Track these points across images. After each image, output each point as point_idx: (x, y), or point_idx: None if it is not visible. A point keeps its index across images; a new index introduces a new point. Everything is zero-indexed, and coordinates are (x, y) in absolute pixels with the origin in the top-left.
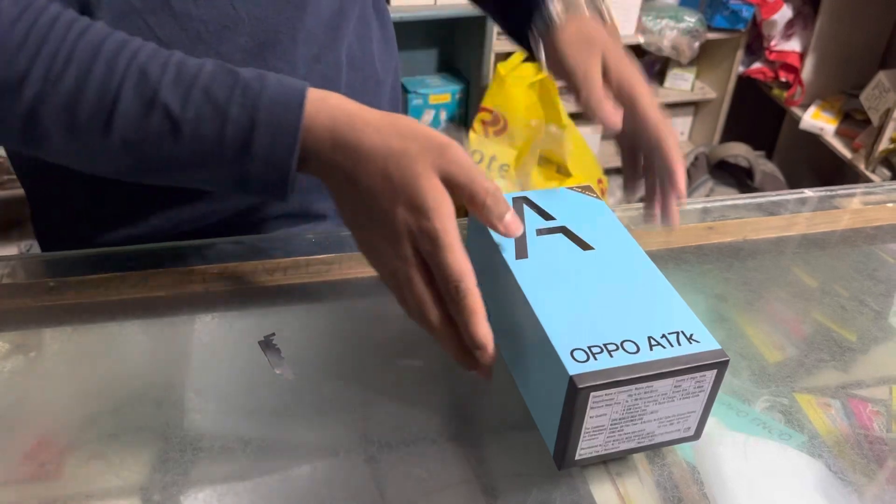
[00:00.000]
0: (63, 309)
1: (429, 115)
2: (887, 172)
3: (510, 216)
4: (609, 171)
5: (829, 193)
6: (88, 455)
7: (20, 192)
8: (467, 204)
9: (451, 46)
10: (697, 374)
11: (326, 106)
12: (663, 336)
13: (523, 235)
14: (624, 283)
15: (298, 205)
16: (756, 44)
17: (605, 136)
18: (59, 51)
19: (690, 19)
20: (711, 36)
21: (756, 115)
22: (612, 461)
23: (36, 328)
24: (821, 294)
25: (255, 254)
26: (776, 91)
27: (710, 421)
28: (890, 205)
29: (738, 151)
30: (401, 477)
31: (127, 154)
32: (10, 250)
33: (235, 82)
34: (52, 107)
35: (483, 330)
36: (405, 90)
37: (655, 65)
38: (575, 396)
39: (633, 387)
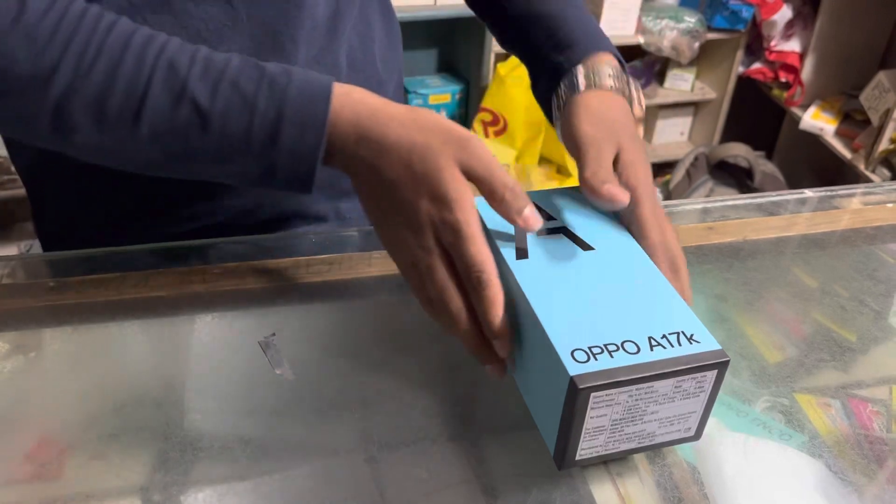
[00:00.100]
0: (63, 309)
1: None
2: (887, 172)
3: (529, 210)
4: None
5: (828, 194)
6: (89, 455)
7: (20, 192)
8: (487, 198)
9: (451, 47)
10: (698, 375)
11: (351, 100)
12: (664, 336)
13: (523, 236)
14: (624, 283)
15: (298, 206)
16: (756, 44)
17: None
18: (90, 44)
19: (690, 19)
20: (711, 36)
21: (756, 116)
22: (613, 461)
23: (36, 328)
24: (821, 294)
25: (256, 254)
26: (776, 91)
27: (711, 421)
28: (890, 205)
29: (738, 152)
30: (401, 477)
31: (155, 147)
32: (10, 250)
33: (262, 76)
34: (82, 100)
35: (502, 320)
36: (405, 90)
37: (655, 65)
38: (575, 397)
39: (633, 387)
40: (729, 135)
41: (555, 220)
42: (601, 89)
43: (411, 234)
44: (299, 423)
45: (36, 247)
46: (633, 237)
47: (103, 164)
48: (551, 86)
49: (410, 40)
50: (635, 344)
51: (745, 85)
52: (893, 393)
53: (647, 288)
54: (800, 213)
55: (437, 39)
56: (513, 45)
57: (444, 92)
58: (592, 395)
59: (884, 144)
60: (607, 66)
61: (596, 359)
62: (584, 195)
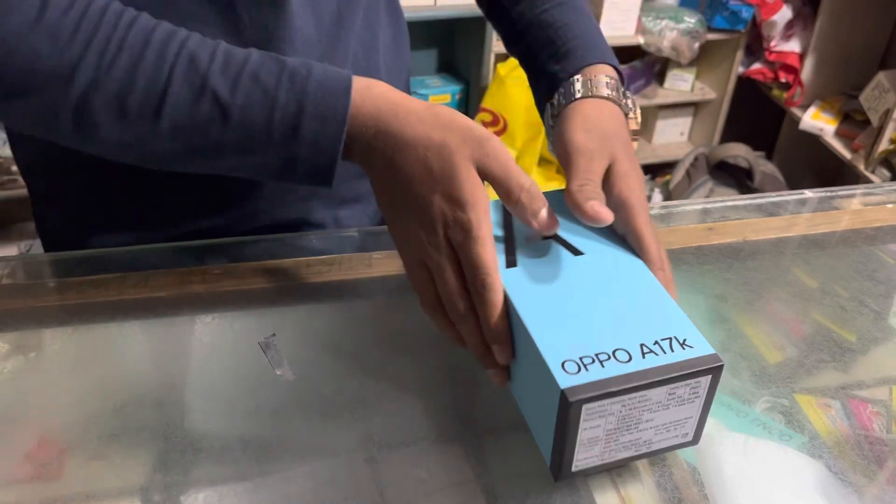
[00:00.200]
0: (63, 309)
1: None
2: (887, 173)
3: (545, 213)
4: None
5: (828, 194)
6: (89, 455)
7: (20, 192)
8: (503, 199)
9: (451, 47)
10: (692, 381)
11: (371, 94)
12: (656, 343)
13: (513, 244)
14: (616, 288)
15: (297, 213)
16: (756, 44)
17: None
18: (111, 40)
19: (690, 20)
20: (711, 36)
21: (756, 116)
22: None
23: (36, 328)
24: (821, 295)
25: (256, 254)
26: (776, 92)
27: (710, 422)
28: (890, 205)
29: (738, 152)
30: (401, 477)
31: (176, 141)
32: (10, 250)
33: (282, 69)
34: (104, 95)
35: (502, 326)
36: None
37: (655, 65)
38: (567, 410)
39: (625, 397)
40: (729, 135)
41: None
42: (597, 98)
43: (422, 231)
44: (299, 423)
45: (36, 247)
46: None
47: (125, 161)
48: (547, 94)
49: (410, 40)
50: (627, 352)
51: (745, 85)
52: (893, 393)
53: (639, 293)
54: (800, 214)
55: (437, 39)
56: (516, 50)
57: (444, 92)
58: (584, 406)
59: (883, 145)
60: (604, 77)
61: (587, 369)
62: None
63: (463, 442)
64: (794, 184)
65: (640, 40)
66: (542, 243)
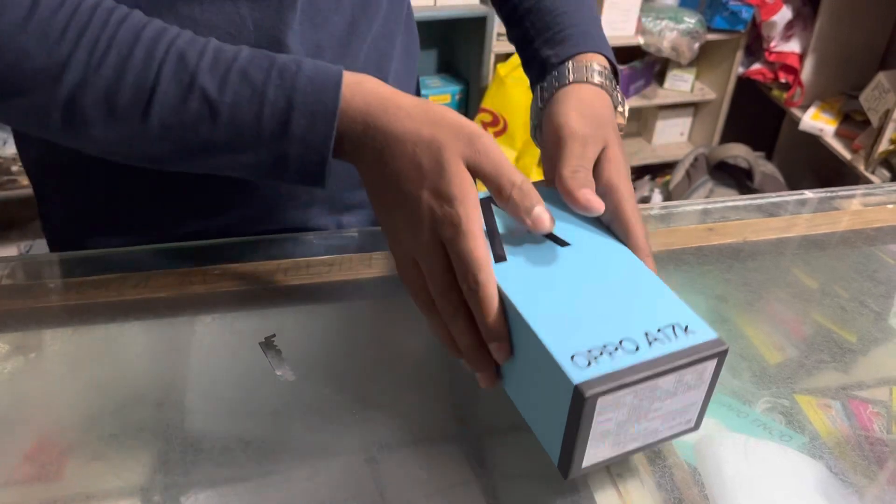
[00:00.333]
0: (63, 310)
1: None
2: (887, 173)
3: (539, 210)
4: None
5: (828, 195)
6: (89, 456)
7: (20, 192)
8: (495, 196)
9: (451, 47)
10: (698, 366)
11: (361, 90)
12: (659, 331)
13: (497, 238)
14: (609, 278)
15: (300, 219)
16: (756, 45)
17: None
18: (100, 38)
19: (690, 20)
20: (711, 37)
21: (756, 116)
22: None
23: (36, 329)
24: (821, 295)
25: (256, 255)
26: (776, 92)
27: (711, 422)
28: (890, 206)
29: (738, 152)
30: (401, 478)
31: (166, 139)
32: (10, 250)
33: (272, 65)
34: (93, 93)
35: (499, 322)
36: None
37: (655, 66)
38: (582, 405)
39: (638, 387)
40: (729, 135)
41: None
42: (590, 85)
43: (411, 228)
44: (300, 423)
45: (36, 247)
46: (615, 233)
47: (118, 160)
48: (538, 79)
49: None
50: (633, 341)
51: (745, 85)
52: (894, 394)
53: (633, 281)
54: (800, 215)
55: (437, 40)
56: (514, 35)
57: (443, 92)
58: (599, 400)
59: (883, 145)
60: (596, 65)
61: (597, 361)
62: (553, 190)
63: (463, 442)
64: (793, 184)
65: (640, 40)
66: (526, 236)
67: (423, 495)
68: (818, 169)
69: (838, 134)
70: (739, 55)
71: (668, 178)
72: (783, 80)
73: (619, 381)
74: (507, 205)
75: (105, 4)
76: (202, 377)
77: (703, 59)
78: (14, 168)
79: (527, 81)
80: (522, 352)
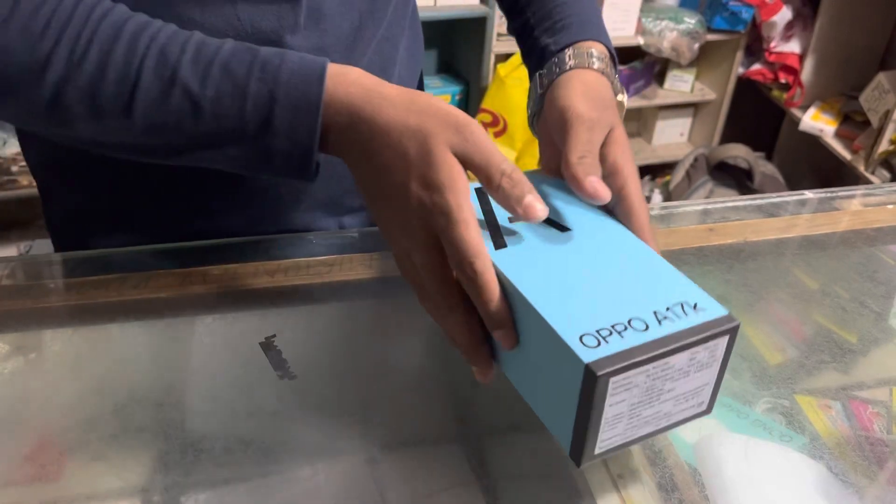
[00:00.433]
0: (64, 310)
1: None
2: (887, 174)
3: (530, 199)
4: None
5: (829, 195)
6: (89, 456)
7: (20, 192)
8: (484, 185)
9: (451, 47)
10: (710, 343)
11: (345, 81)
12: (668, 309)
13: (496, 225)
14: (611, 259)
15: (301, 222)
16: (756, 45)
17: None
18: (82, 33)
19: (690, 20)
20: (711, 37)
21: (756, 117)
22: (613, 462)
23: (37, 329)
24: (821, 296)
25: (256, 255)
26: (776, 92)
27: (711, 423)
28: (890, 206)
29: (738, 153)
30: (401, 478)
31: (150, 134)
32: (10, 251)
33: (254, 58)
34: (76, 89)
35: (502, 308)
36: None
37: (655, 66)
38: (593, 386)
39: (650, 366)
40: (729, 136)
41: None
42: (590, 69)
43: (403, 222)
44: (300, 424)
45: (35, 247)
46: (619, 215)
47: (110, 153)
48: (537, 68)
49: None
50: (642, 321)
51: (745, 86)
52: (894, 394)
53: (637, 261)
54: (800, 215)
55: (437, 40)
56: (514, 25)
57: (443, 93)
58: (612, 380)
59: (883, 146)
60: (596, 52)
61: (607, 341)
62: (551, 178)
63: (464, 443)
64: (794, 184)
65: (640, 41)
66: (525, 223)
67: (424, 496)
68: (818, 169)
69: (838, 134)
70: (739, 55)
71: (668, 178)
72: (783, 81)
73: (630, 360)
74: (497, 194)
75: (87, 1)
76: (202, 377)
77: (703, 59)
78: (14, 168)
79: (527, 82)
80: (527, 337)
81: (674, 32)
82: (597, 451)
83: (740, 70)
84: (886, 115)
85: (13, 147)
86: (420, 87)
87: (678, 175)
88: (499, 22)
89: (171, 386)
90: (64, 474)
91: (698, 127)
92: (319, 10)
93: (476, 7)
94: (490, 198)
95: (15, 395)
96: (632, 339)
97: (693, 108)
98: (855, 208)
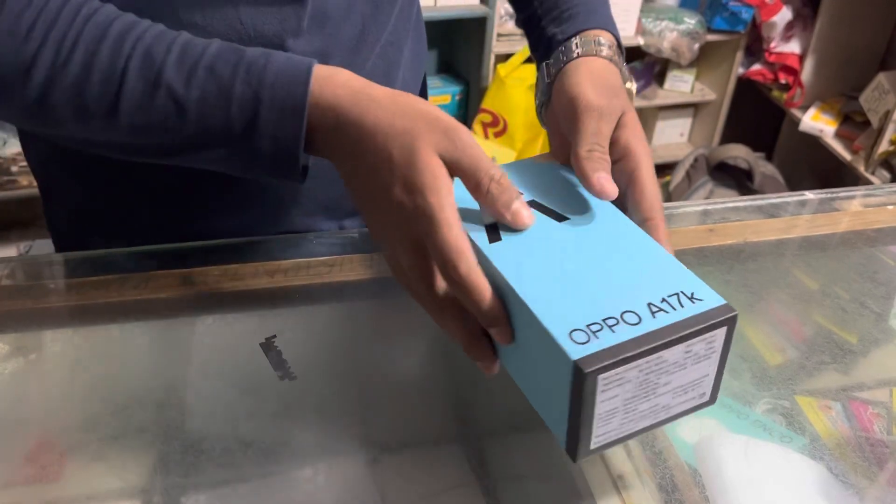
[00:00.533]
0: (64, 310)
1: None
2: (887, 174)
3: (518, 204)
4: None
5: (829, 196)
6: (89, 457)
7: (20, 192)
8: (472, 192)
9: (451, 48)
10: (707, 335)
11: (331, 83)
12: (663, 300)
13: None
14: (609, 249)
15: (301, 224)
16: (756, 45)
17: None
18: (67, 35)
19: (690, 21)
20: (711, 37)
21: (756, 117)
22: (614, 463)
23: (37, 330)
24: (821, 296)
25: (256, 255)
26: (776, 93)
27: (711, 423)
28: (890, 207)
29: (738, 153)
30: (402, 479)
31: (136, 135)
32: (10, 251)
33: (240, 59)
34: (61, 91)
35: (493, 304)
36: None
37: (655, 66)
38: (582, 383)
39: (642, 360)
40: (729, 136)
41: (521, 194)
42: (598, 57)
43: (387, 226)
44: (300, 425)
45: (35, 248)
46: (630, 197)
47: (105, 154)
48: (544, 57)
49: None
50: (635, 314)
51: (745, 86)
52: (894, 395)
53: (635, 251)
54: (800, 216)
55: (437, 40)
56: (522, 17)
57: (444, 93)
58: (601, 377)
59: (883, 146)
60: (603, 39)
61: (597, 336)
62: (548, 164)
63: (464, 443)
64: (794, 185)
65: (640, 41)
66: None
67: (424, 496)
68: (818, 170)
69: (838, 135)
70: (739, 56)
71: (668, 178)
72: (783, 81)
73: (620, 356)
74: (485, 199)
75: (73, 2)
76: (202, 378)
77: (703, 59)
78: (14, 168)
79: (527, 82)
80: (522, 331)
81: (674, 33)
82: (592, 446)
83: (740, 70)
84: (886, 116)
85: (13, 147)
86: (423, 88)
87: (678, 175)
88: (499, 22)
89: (171, 387)
90: (64, 475)
91: (698, 127)
92: (323, 14)
93: (476, 7)
94: None
95: (15, 395)
96: (623, 334)
97: (693, 108)
98: (855, 209)
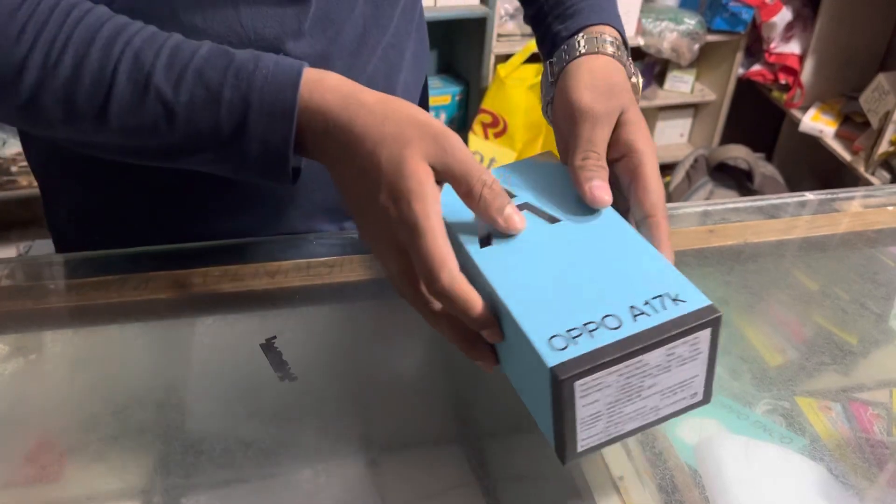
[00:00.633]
0: (64, 311)
1: None
2: (887, 175)
3: (510, 210)
4: None
5: (829, 196)
6: (89, 458)
7: (20, 192)
8: (464, 198)
9: (451, 48)
10: (690, 338)
11: (321, 87)
12: (646, 303)
13: (481, 223)
14: (598, 252)
15: (302, 226)
16: (756, 46)
17: None
18: (57, 37)
19: (690, 21)
20: (711, 38)
21: (756, 118)
22: (614, 463)
23: (37, 330)
24: (821, 297)
25: (256, 256)
26: (776, 93)
27: (711, 424)
28: (890, 208)
29: (738, 154)
30: (402, 480)
31: (127, 138)
32: (10, 251)
33: (229, 63)
34: (51, 94)
35: (481, 311)
36: None
37: (655, 67)
38: (560, 389)
39: (621, 366)
40: (729, 137)
41: (515, 196)
42: (602, 55)
43: (374, 234)
44: (300, 425)
45: (35, 248)
46: (633, 194)
47: (101, 156)
48: (549, 55)
49: None
50: (616, 318)
51: (745, 87)
52: (894, 396)
53: (624, 253)
54: (800, 216)
55: (436, 40)
56: (529, 13)
57: (443, 93)
58: (577, 383)
59: (883, 147)
60: (608, 36)
61: (576, 342)
62: (543, 164)
63: (464, 444)
64: (794, 186)
65: (640, 42)
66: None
67: (424, 497)
68: (818, 170)
69: (838, 135)
70: (739, 56)
71: (668, 179)
72: (783, 82)
73: (596, 362)
74: (477, 205)
75: (63, 4)
76: (203, 379)
77: (703, 60)
78: (14, 168)
79: (527, 83)
80: (510, 337)
81: (674, 33)
82: (579, 448)
83: (740, 71)
84: (886, 116)
85: (13, 147)
86: (424, 91)
87: (678, 176)
88: (499, 22)
89: (171, 387)
90: (64, 475)
91: (698, 128)
92: (323, 17)
93: (476, 7)
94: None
95: (15, 396)
96: (602, 339)
97: (693, 108)
98: (855, 210)
